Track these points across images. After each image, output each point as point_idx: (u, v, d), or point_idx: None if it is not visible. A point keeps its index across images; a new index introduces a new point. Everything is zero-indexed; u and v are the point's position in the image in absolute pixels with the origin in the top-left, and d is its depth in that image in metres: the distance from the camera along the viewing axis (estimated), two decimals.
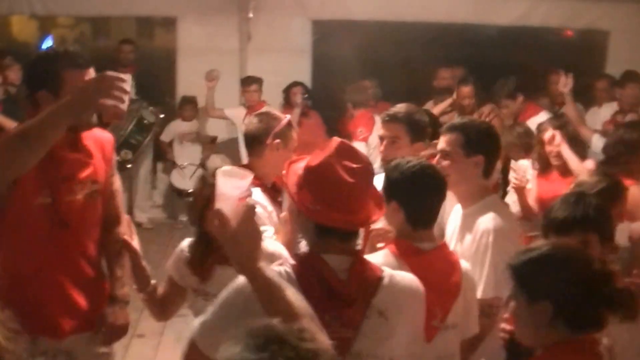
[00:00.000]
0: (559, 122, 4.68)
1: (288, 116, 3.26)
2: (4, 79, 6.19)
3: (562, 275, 1.90)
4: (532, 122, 5.52)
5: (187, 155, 7.51)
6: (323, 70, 7.93)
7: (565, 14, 7.50)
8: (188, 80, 7.57)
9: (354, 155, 2.02)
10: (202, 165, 7.39)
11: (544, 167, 4.56)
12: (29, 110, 2.66)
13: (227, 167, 2.05)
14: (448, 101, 6.51)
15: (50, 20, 9.23)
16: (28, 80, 2.73)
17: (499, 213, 2.84)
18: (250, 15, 7.45)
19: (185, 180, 7.38)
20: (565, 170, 4.34)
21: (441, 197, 2.54)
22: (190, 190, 7.37)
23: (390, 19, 7.65)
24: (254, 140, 3.13)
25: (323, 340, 1.38)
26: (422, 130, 3.33)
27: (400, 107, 3.39)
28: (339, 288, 1.93)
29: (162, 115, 7.24)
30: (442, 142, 2.95)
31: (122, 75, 2.25)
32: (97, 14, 8.00)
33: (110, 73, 2.25)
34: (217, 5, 7.48)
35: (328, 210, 1.95)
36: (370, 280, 2.00)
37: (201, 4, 7.48)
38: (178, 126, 7.52)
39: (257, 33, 7.48)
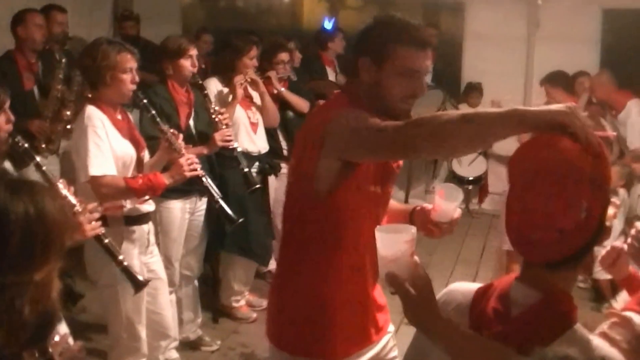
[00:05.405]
0: None
1: None
2: (290, 59, 6.52)
3: None
4: None
5: None
6: (612, 62, 7.60)
7: None
8: (473, 66, 7.67)
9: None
10: (484, 152, 7.34)
11: None
12: (348, 75, 2.48)
13: (386, 225, 1.95)
14: None
15: (340, 2, 9.72)
16: (354, 44, 2.44)
17: None
18: (540, 2, 7.38)
19: (464, 167, 7.38)
20: None
21: None
22: (470, 178, 7.45)
23: None
24: None
25: None
26: None
27: None
28: (488, 324, 1.56)
29: None
30: None
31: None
32: None
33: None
34: None
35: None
36: (551, 327, 1.48)
37: None
38: None
39: (545, 20, 7.37)
